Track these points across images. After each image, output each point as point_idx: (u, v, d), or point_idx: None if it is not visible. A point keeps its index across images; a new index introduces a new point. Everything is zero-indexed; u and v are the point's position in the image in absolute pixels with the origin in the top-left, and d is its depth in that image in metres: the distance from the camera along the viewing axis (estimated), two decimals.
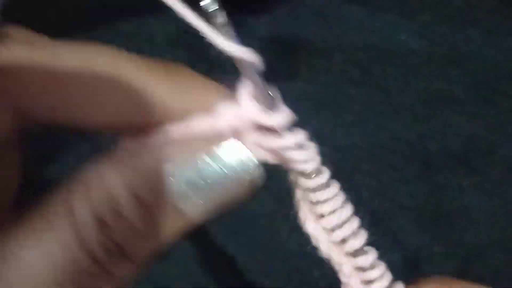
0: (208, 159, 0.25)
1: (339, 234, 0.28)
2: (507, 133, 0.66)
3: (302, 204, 0.29)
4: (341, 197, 0.29)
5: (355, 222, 0.29)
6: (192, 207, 0.25)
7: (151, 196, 0.24)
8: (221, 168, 0.25)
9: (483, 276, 0.59)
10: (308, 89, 0.68)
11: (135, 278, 0.26)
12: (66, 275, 0.22)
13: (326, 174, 0.28)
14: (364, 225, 0.30)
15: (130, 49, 0.28)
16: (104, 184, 0.23)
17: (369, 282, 0.29)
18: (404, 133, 0.66)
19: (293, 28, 0.70)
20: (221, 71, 0.72)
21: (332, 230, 0.29)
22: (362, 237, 0.29)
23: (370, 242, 0.30)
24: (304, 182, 0.28)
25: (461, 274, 0.60)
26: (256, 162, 0.27)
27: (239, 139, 0.27)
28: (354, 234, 0.29)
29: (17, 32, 0.26)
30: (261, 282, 0.61)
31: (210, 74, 0.74)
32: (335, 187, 0.29)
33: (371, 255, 0.29)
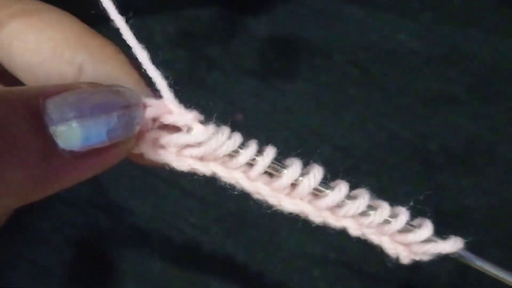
0: (90, 97, 0.24)
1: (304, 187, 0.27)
2: (507, 133, 0.66)
3: (263, 192, 0.28)
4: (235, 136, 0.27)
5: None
6: (65, 141, 0.23)
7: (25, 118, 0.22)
8: (101, 107, 0.24)
9: (483, 277, 0.59)
10: (308, 89, 0.68)
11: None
12: None
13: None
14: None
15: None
16: None
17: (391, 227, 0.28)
18: (404, 133, 0.66)
19: (293, 28, 0.70)
20: (221, 71, 0.73)
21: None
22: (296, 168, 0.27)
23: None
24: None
25: (461, 274, 0.60)
26: (141, 110, 0.26)
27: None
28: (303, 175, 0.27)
29: None
30: (261, 282, 0.61)
31: (210, 74, 0.74)
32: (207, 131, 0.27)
33: (362, 200, 0.28)
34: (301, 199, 0.28)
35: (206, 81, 0.66)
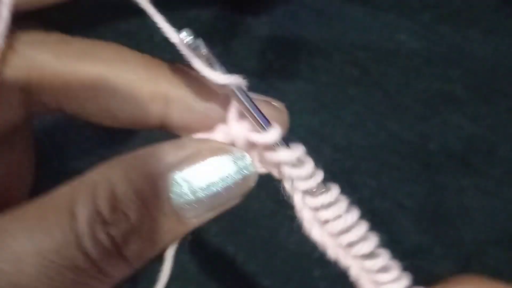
0: (211, 167, 0.25)
1: (346, 238, 0.29)
2: (507, 133, 0.66)
3: (304, 211, 0.29)
4: (344, 201, 0.29)
5: (362, 227, 0.29)
6: (192, 212, 0.25)
7: (153, 198, 0.24)
8: (223, 176, 0.26)
9: (482, 276, 0.59)
10: (308, 89, 0.68)
11: (129, 279, 0.26)
12: (57, 270, 0.22)
13: (333, 189, 0.29)
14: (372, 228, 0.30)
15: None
16: (108, 183, 0.24)
17: (381, 284, 0.29)
18: (404, 133, 0.66)
19: (293, 28, 0.70)
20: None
21: (338, 234, 0.29)
22: (371, 242, 0.29)
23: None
24: (309, 199, 0.29)
25: (461, 274, 0.60)
26: (254, 169, 0.28)
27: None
28: (362, 238, 0.29)
29: (26, 32, 0.27)
30: (261, 282, 0.61)
31: None
32: (336, 191, 0.29)
33: (382, 259, 0.29)
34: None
35: None
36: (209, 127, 0.28)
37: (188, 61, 0.28)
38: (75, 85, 0.27)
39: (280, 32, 0.70)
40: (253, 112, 0.28)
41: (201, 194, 0.25)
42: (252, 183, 0.28)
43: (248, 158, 0.27)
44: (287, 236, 0.61)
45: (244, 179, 0.27)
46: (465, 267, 0.60)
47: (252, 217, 0.62)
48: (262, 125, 0.28)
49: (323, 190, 0.29)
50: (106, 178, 0.24)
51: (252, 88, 0.75)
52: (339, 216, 0.29)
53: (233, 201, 0.27)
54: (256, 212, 0.62)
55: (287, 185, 0.29)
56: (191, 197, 0.25)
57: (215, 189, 0.26)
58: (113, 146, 0.62)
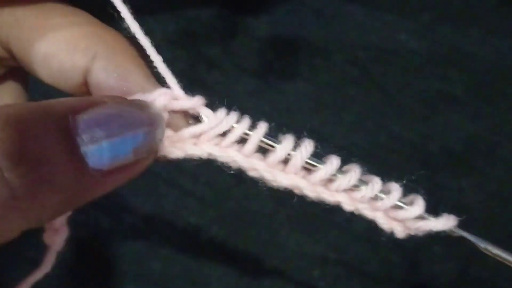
0: (121, 116, 0.25)
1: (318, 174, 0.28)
2: (507, 133, 0.66)
3: (259, 167, 0.29)
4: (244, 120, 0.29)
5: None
6: (96, 161, 0.24)
7: (59, 140, 0.23)
8: (132, 129, 0.25)
9: (482, 276, 0.59)
10: (308, 89, 0.68)
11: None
12: None
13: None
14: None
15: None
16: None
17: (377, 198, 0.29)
18: (404, 133, 0.66)
19: (293, 28, 0.70)
20: (221, 71, 0.73)
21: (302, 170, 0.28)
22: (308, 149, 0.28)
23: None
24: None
25: (461, 274, 0.60)
26: (164, 130, 0.27)
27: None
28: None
29: None
30: (261, 282, 0.61)
31: (210, 74, 0.74)
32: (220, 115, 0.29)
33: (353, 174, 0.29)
34: (295, 173, 0.28)
35: (206, 81, 0.66)
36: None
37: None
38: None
39: (280, 32, 0.70)
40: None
41: (105, 143, 0.24)
42: (160, 141, 0.26)
43: (161, 116, 0.26)
44: (287, 236, 0.61)
45: (155, 136, 0.26)
46: (465, 267, 0.60)
47: (252, 217, 0.62)
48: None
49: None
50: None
51: (252, 88, 0.75)
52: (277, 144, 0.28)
53: (143, 162, 0.26)
54: (256, 212, 0.62)
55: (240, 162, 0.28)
56: (96, 143, 0.23)
57: (120, 140, 0.24)
58: None
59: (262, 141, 0.29)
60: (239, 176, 0.29)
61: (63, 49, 0.27)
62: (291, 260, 0.61)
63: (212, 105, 0.29)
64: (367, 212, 0.29)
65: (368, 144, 0.65)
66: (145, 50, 0.28)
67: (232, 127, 0.28)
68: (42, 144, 0.22)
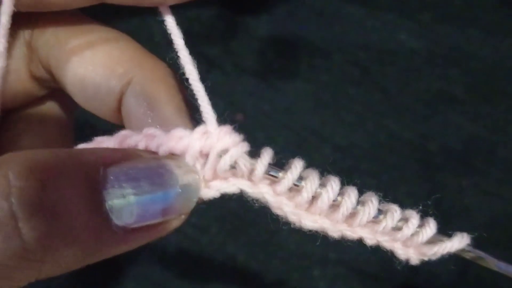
0: (153, 173, 0.23)
1: (340, 213, 0.27)
2: (507, 133, 0.66)
3: (284, 208, 0.28)
4: (314, 173, 0.27)
5: (335, 186, 0.28)
6: (123, 218, 0.22)
7: (86, 192, 0.22)
8: (164, 187, 0.23)
9: (482, 276, 0.59)
10: (308, 89, 0.68)
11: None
12: None
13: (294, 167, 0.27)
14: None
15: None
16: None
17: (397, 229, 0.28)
18: (404, 133, 0.66)
19: (293, 28, 0.70)
20: (221, 71, 0.73)
21: (329, 209, 0.28)
22: (353, 196, 0.27)
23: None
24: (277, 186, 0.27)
25: (461, 274, 0.60)
26: (199, 188, 0.25)
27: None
28: (348, 199, 0.27)
29: None
30: (261, 282, 0.61)
31: (210, 74, 0.74)
32: (299, 166, 0.27)
33: (371, 208, 0.28)
34: (320, 214, 0.28)
35: (206, 81, 0.66)
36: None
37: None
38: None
39: (280, 32, 0.70)
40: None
41: (133, 200, 0.22)
42: (193, 203, 0.25)
43: (197, 176, 0.25)
44: (287, 236, 0.61)
45: (188, 197, 0.24)
46: (465, 267, 0.60)
47: (252, 217, 0.62)
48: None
49: (283, 169, 0.27)
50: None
51: (252, 88, 0.76)
52: (319, 192, 0.27)
53: (171, 223, 0.25)
54: (256, 212, 0.61)
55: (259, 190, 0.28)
56: (123, 199, 0.22)
57: (150, 198, 0.23)
58: None
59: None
60: None
61: (100, 73, 0.27)
62: (291, 260, 0.61)
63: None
64: (387, 243, 0.28)
65: (368, 144, 0.65)
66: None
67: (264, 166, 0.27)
68: (64, 195, 0.21)
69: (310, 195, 0.27)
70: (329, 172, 0.28)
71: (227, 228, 0.62)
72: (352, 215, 0.27)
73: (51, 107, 0.31)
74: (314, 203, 0.27)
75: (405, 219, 0.28)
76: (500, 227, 0.62)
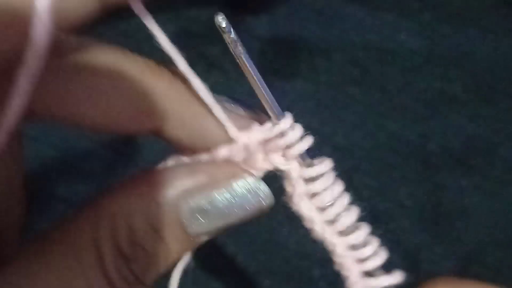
0: (222, 190, 0.26)
1: (332, 211, 0.29)
2: (507, 133, 0.66)
3: (296, 186, 0.29)
4: (332, 174, 0.29)
5: (346, 198, 0.29)
6: (200, 231, 0.25)
7: (167, 227, 0.24)
8: (233, 197, 0.26)
9: (482, 275, 0.59)
10: (308, 89, 0.68)
11: None
12: None
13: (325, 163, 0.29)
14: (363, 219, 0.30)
15: (130, 49, 0.28)
16: (126, 216, 0.24)
17: (363, 260, 0.29)
18: (404, 133, 0.66)
19: (293, 28, 0.70)
20: (221, 71, 0.72)
21: (325, 208, 0.29)
22: (353, 213, 0.29)
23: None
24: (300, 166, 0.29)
25: (461, 274, 0.60)
26: (268, 191, 0.27)
27: (251, 163, 0.28)
28: (345, 210, 0.29)
29: None
30: (261, 282, 0.61)
31: (210, 74, 0.74)
32: (327, 165, 0.29)
33: (363, 231, 0.29)
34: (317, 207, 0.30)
35: (206, 81, 0.66)
36: (205, 146, 0.28)
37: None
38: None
39: (280, 32, 0.70)
40: (268, 97, 0.28)
41: (209, 214, 0.25)
42: (266, 206, 0.27)
43: (262, 183, 0.27)
44: (287, 236, 0.61)
45: (259, 203, 0.27)
46: (465, 267, 0.60)
47: None
48: (274, 112, 0.28)
49: (316, 161, 0.29)
50: (124, 211, 0.24)
51: (252, 88, 0.75)
52: (326, 188, 0.29)
53: (243, 219, 0.27)
54: None
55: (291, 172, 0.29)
56: (199, 217, 0.25)
57: (227, 212, 0.26)
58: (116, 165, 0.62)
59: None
60: None
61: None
62: (291, 260, 0.61)
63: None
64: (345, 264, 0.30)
65: (368, 144, 0.65)
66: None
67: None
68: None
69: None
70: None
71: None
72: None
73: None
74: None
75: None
76: (500, 227, 0.62)
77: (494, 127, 0.66)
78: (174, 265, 0.27)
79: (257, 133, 0.27)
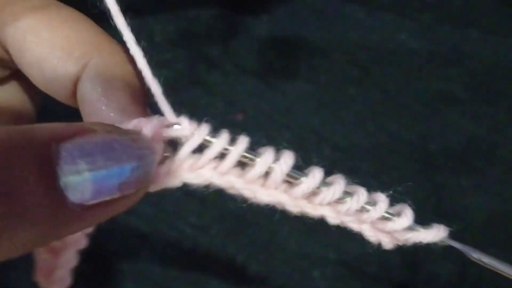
0: (108, 148, 0.23)
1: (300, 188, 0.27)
2: (507, 133, 0.66)
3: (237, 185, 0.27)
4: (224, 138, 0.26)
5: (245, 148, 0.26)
6: (76, 195, 0.22)
7: (37, 168, 0.21)
8: (119, 163, 0.23)
9: (482, 276, 0.59)
10: (308, 89, 0.68)
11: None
12: None
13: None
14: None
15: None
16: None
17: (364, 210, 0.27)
18: (404, 133, 0.66)
19: (293, 28, 0.70)
20: (221, 71, 0.73)
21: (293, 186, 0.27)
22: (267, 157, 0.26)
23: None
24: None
25: (461, 274, 0.60)
26: (155, 165, 0.25)
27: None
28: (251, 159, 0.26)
29: None
30: (261, 282, 0.61)
31: (210, 74, 0.74)
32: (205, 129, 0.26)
33: (338, 186, 0.27)
34: (275, 188, 0.27)
35: (206, 81, 0.66)
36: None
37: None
38: None
39: (280, 32, 0.70)
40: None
41: (88, 176, 0.21)
42: (150, 178, 0.24)
43: (152, 150, 0.24)
44: (287, 236, 0.61)
45: (144, 172, 0.23)
46: (465, 267, 0.60)
47: (252, 217, 0.62)
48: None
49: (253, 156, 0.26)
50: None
51: (252, 88, 0.76)
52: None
53: (130, 198, 0.24)
54: (256, 212, 0.61)
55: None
56: (77, 175, 0.21)
57: (105, 173, 0.22)
58: None
59: (242, 156, 0.26)
60: None
61: (57, 55, 0.26)
62: (291, 260, 0.61)
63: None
64: (353, 225, 0.28)
65: (368, 144, 0.65)
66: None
67: (210, 142, 0.26)
68: (16, 174, 0.20)
69: (262, 169, 0.26)
70: (331, 172, 0.28)
71: (227, 228, 0.62)
72: (316, 194, 0.27)
73: (11, 88, 0.30)
74: (269, 178, 0.27)
75: (374, 203, 0.28)
76: (500, 227, 0.62)
77: (494, 127, 0.66)
78: (47, 238, 0.23)
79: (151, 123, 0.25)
